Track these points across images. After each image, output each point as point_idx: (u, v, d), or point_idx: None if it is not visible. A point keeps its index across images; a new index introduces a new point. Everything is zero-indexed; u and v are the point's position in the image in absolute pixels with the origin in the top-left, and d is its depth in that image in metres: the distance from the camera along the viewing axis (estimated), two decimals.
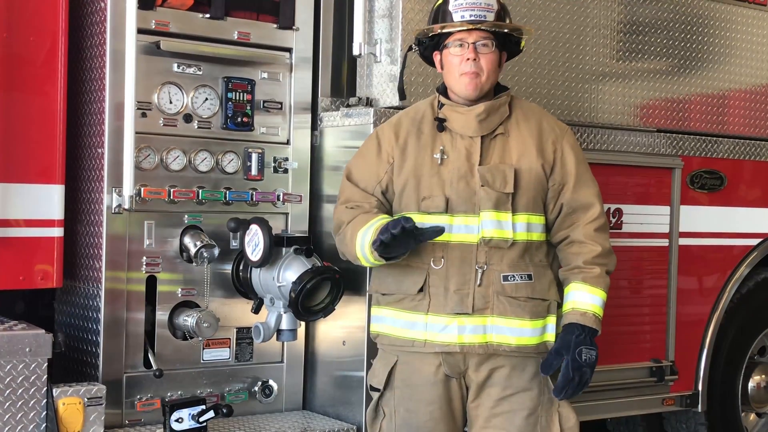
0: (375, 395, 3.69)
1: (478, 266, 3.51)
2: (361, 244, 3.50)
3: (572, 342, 3.47)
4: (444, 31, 3.56)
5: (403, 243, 3.37)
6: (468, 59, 3.52)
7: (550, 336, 3.57)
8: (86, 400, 3.80)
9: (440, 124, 3.60)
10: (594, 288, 3.55)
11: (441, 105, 3.64)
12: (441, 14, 3.60)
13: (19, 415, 3.69)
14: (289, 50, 4.45)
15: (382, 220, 3.48)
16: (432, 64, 3.74)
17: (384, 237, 3.35)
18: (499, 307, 3.50)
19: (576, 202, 3.62)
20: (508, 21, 3.64)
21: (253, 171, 4.34)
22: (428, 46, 3.67)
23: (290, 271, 4.04)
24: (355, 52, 4.41)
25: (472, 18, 3.53)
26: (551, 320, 3.58)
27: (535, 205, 3.58)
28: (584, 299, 3.54)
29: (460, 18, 3.54)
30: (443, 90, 3.67)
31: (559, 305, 3.60)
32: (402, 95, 3.90)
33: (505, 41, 3.64)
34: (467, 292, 3.50)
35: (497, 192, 3.51)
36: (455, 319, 3.50)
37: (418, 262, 3.55)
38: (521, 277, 3.54)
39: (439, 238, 3.47)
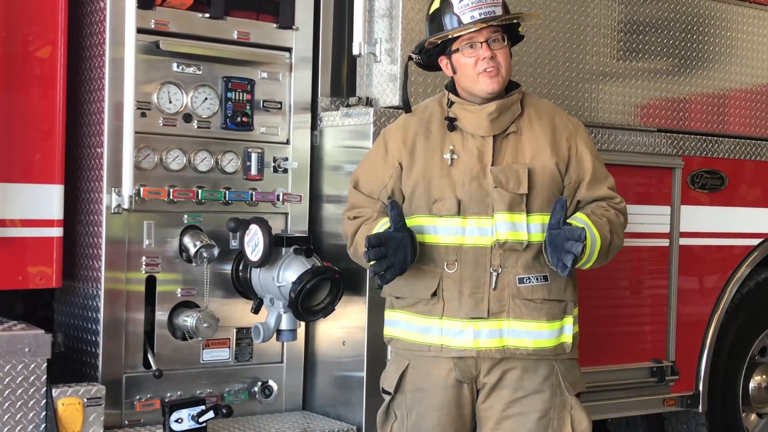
0: (386, 398, 3.62)
1: (492, 269, 3.42)
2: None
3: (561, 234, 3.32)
4: (457, 34, 3.44)
5: (393, 247, 3.29)
6: (485, 58, 3.42)
7: (567, 337, 3.48)
8: (86, 400, 3.79)
9: (451, 124, 3.50)
10: (593, 225, 3.40)
11: (450, 103, 3.54)
12: (444, 19, 3.47)
13: (19, 416, 3.68)
14: (288, 50, 4.44)
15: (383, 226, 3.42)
16: (431, 69, 3.66)
17: (368, 250, 3.28)
18: (515, 310, 3.42)
19: (592, 199, 3.53)
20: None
21: (253, 171, 4.33)
22: (433, 53, 3.56)
23: (290, 271, 4.04)
24: (355, 51, 4.40)
25: (483, 16, 3.41)
26: (568, 321, 3.48)
27: (550, 205, 3.44)
28: (578, 222, 3.40)
29: (470, 19, 3.41)
30: (452, 87, 3.57)
31: (576, 305, 3.53)
32: (407, 108, 3.68)
33: (510, 31, 3.55)
34: (482, 295, 3.42)
35: (511, 193, 3.41)
36: (471, 323, 3.42)
37: (432, 265, 3.47)
38: (537, 279, 3.44)
39: (453, 242, 3.43)
